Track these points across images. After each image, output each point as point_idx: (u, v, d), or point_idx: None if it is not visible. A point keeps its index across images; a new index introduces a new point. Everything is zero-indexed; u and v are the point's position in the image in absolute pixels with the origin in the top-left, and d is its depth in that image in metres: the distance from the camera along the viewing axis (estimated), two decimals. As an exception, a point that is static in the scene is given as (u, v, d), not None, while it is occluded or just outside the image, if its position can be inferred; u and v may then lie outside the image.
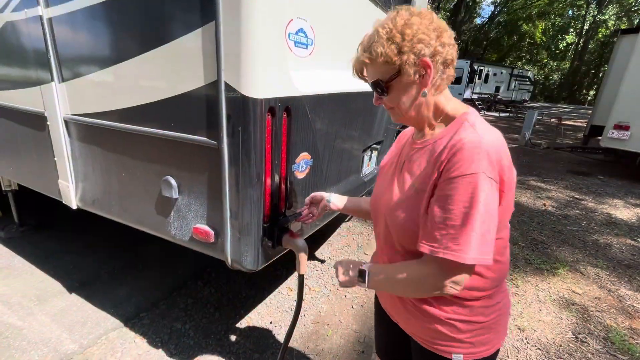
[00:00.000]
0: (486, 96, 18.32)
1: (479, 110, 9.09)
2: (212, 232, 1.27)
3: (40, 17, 1.49)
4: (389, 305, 0.93)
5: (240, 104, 1.07)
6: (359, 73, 0.81)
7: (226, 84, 1.07)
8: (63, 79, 1.56)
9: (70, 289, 2.26)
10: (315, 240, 3.07)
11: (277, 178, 1.26)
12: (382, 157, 2.62)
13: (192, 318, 2.07)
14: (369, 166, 2.39)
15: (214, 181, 1.21)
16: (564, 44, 36.56)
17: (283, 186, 1.31)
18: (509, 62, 36.08)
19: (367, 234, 3.33)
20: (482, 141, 0.66)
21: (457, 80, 16.71)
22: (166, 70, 1.22)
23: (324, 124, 1.51)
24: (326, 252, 2.95)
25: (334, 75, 1.55)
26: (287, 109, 1.22)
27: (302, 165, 1.40)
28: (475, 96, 17.56)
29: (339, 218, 3.53)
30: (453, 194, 0.65)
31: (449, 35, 0.73)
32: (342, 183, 1.94)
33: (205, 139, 1.17)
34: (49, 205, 3.21)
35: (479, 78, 19.02)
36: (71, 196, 1.74)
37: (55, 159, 1.73)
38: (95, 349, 1.81)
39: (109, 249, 2.77)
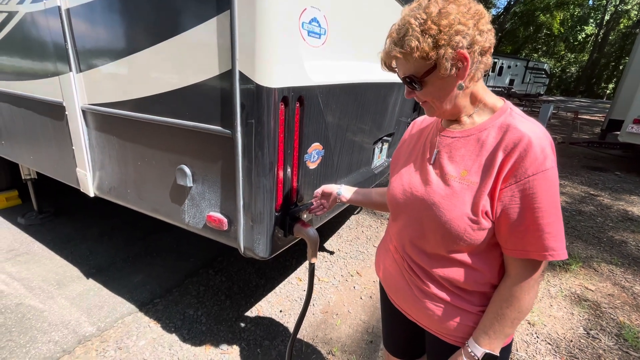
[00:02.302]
0: (499, 89, 17.92)
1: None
2: (225, 220, 1.29)
3: (59, 8, 1.51)
4: (402, 302, 0.91)
5: (254, 93, 1.08)
6: (388, 66, 0.76)
7: (240, 73, 1.08)
8: (80, 69, 1.59)
9: (88, 274, 2.34)
10: (324, 232, 3.09)
11: (289, 167, 1.27)
12: (393, 149, 2.60)
13: (204, 305, 2.13)
14: (379, 158, 2.38)
15: (228, 170, 1.23)
16: (583, 36, 35.28)
17: (295, 176, 1.32)
18: (524, 54, 35.12)
19: (375, 226, 3.34)
20: (544, 133, 0.66)
21: (470, 73, 16.31)
22: (181, 60, 1.23)
23: (336, 114, 1.51)
24: (335, 243, 2.97)
25: (347, 65, 1.54)
26: (300, 99, 1.22)
27: (313, 155, 1.40)
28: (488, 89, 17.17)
29: (348, 210, 3.53)
30: (536, 192, 0.63)
31: (487, 20, 0.68)
32: (353, 174, 1.94)
33: (219, 128, 1.19)
34: (66, 192, 3.31)
35: (493, 71, 18.60)
36: (88, 184, 1.79)
37: (73, 147, 1.78)
38: (112, 332, 1.88)
39: (123, 236, 2.84)
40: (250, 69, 1.06)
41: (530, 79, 21.75)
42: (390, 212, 0.95)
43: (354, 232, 3.20)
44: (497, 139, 0.69)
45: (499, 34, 33.24)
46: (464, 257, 0.75)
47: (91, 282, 2.27)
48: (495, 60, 18.73)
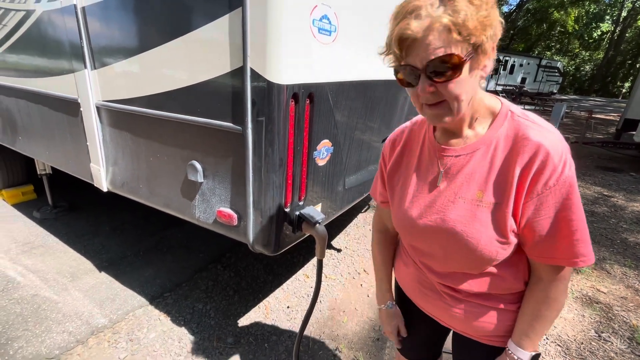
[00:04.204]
0: (511, 88, 17.65)
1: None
2: (235, 215, 1.31)
3: (75, 6, 1.55)
4: (430, 307, 0.87)
5: (265, 90, 1.09)
6: (402, 46, 0.58)
7: (251, 70, 1.09)
8: (95, 67, 1.63)
9: (100, 267, 2.39)
10: (332, 230, 3.10)
11: (298, 164, 1.28)
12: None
13: (212, 299, 2.16)
14: (388, 156, 2.37)
15: (238, 166, 1.24)
16: (598, 33, 34.45)
17: (304, 172, 1.33)
18: (536, 52, 34.44)
19: (384, 225, 3.33)
20: (558, 138, 0.62)
21: (481, 71, 16.10)
22: (193, 57, 1.25)
23: (345, 111, 1.51)
24: (342, 241, 2.97)
25: (356, 62, 1.54)
26: (310, 96, 1.23)
27: (323, 152, 1.41)
28: (499, 88, 16.93)
29: (356, 208, 3.54)
30: (560, 201, 0.61)
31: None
32: (362, 172, 1.95)
33: (230, 124, 1.20)
34: (80, 187, 3.38)
35: (504, 69, 18.30)
36: (102, 179, 1.83)
37: (88, 143, 1.81)
38: (124, 324, 1.92)
39: (134, 231, 2.89)
40: (261, 65, 1.07)
41: (542, 78, 21.34)
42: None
43: (362, 230, 3.20)
44: (507, 151, 0.64)
45: (511, 32, 32.69)
46: (491, 269, 0.72)
47: (103, 275, 2.32)
48: (507, 58, 18.42)
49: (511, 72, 18.85)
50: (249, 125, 1.15)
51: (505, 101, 0.70)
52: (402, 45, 0.58)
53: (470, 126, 0.69)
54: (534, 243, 0.66)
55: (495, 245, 0.66)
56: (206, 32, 1.18)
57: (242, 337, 1.89)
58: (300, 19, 1.12)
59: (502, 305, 0.76)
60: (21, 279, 2.22)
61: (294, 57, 1.13)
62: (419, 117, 0.82)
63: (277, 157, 1.18)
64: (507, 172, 0.64)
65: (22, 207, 3.19)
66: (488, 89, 16.40)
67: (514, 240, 0.66)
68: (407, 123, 0.86)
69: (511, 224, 0.65)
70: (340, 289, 2.34)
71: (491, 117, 0.68)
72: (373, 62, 1.70)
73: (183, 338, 1.85)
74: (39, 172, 2.88)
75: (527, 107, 16.60)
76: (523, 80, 19.65)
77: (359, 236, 3.08)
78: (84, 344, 1.77)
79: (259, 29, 1.04)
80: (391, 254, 1.01)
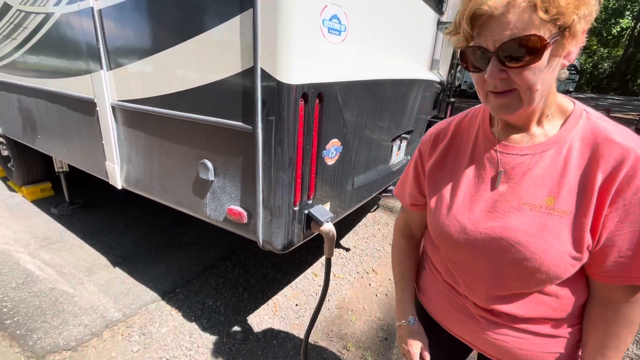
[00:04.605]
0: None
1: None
2: (245, 213, 1.33)
3: (92, 9, 1.59)
4: (460, 330, 0.77)
5: (275, 90, 1.10)
6: (473, 21, 0.51)
7: (262, 70, 1.11)
8: (111, 67, 1.67)
9: (114, 263, 2.46)
10: (341, 229, 3.10)
11: (308, 163, 1.29)
12: (412, 147, 2.58)
13: (222, 296, 2.19)
14: (397, 155, 2.37)
15: (248, 164, 1.26)
16: (618, 29, 33.37)
17: (313, 172, 1.34)
18: (552, 49, 33.47)
19: (392, 224, 3.31)
20: None
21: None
22: (204, 58, 1.28)
23: (355, 111, 1.52)
24: (351, 240, 2.98)
25: (366, 62, 1.54)
26: (319, 95, 1.23)
27: (332, 151, 1.42)
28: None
29: (365, 208, 3.53)
30: None
31: None
32: (371, 171, 1.95)
33: (240, 123, 1.22)
34: (95, 185, 3.47)
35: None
36: (117, 177, 1.88)
37: (103, 142, 1.87)
38: (137, 318, 1.97)
39: (146, 228, 2.96)
40: (271, 65, 1.09)
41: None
42: (435, 244, 0.77)
43: (370, 229, 3.20)
44: (587, 155, 0.56)
45: (526, 29, 31.77)
46: (548, 289, 0.63)
47: (117, 270, 2.38)
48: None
49: (525, 70, 18.41)
50: (259, 124, 1.16)
51: (580, 103, 0.62)
52: (474, 22, 0.51)
53: (539, 123, 0.61)
54: (609, 261, 0.56)
55: (566, 261, 0.57)
56: (218, 33, 1.20)
57: (251, 333, 1.92)
58: (310, 19, 1.13)
59: (552, 330, 0.65)
60: (40, 272, 2.30)
61: (304, 57, 1.14)
62: (468, 110, 0.74)
63: (287, 156, 1.19)
64: (586, 177, 0.56)
65: (41, 203, 3.30)
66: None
67: (587, 257, 0.57)
68: (454, 116, 0.76)
69: (588, 238, 0.56)
70: (348, 288, 2.35)
71: (562, 115, 0.61)
72: (382, 62, 1.70)
73: (194, 333, 1.89)
74: (56, 170, 2.97)
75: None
76: (537, 78, 19.17)
77: (367, 235, 3.08)
78: (99, 337, 1.82)
79: (270, 30, 1.06)
80: (415, 262, 0.90)
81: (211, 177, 1.39)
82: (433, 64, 2.50)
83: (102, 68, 1.68)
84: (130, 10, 1.47)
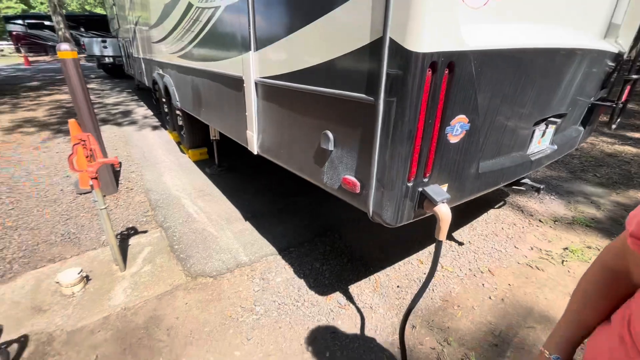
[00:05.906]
0: None
1: None
2: (358, 183, 1.38)
3: (247, -1, 1.87)
4: None
5: (401, 59, 1.08)
6: None
7: (390, 40, 1.09)
8: (257, 48, 1.94)
9: (246, 218, 2.94)
10: (455, 220, 2.85)
11: (428, 138, 1.23)
12: (560, 135, 2.12)
13: (328, 262, 2.36)
14: (539, 144, 1.98)
15: (367, 136, 1.29)
16: None
17: (433, 147, 1.27)
18: None
19: (521, 226, 2.85)
20: None
21: None
22: (334, 34, 1.33)
23: (490, 85, 1.34)
24: (466, 234, 2.71)
25: (513, 28, 1.33)
26: (450, 65, 1.14)
27: (457, 128, 1.30)
28: None
29: (487, 200, 3.14)
30: None
31: None
32: (501, 158, 1.70)
33: (363, 95, 1.25)
34: (234, 154, 4.14)
35: None
36: (254, 144, 2.21)
37: (246, 113, 2.21)
38: (259, 264, 2.33)
39: (272, 194, 3.40)
40: (401, 34, 1.06)
41: None
42: None
43: (492, 227, 2.84)
44: None
45: None
46: None
47: (248, 224, 2.85)
48: None
49: None
50: (382, 95, 1.16)
51: None
52: None
53: None
54: None
55: None
56: (348, 7, 1.24)
57: (351, 301, 2.01)
58: (449, -20, 1.04)
59: None
60: (196, 215, 2.96)
61: (437, 23, 1.06)
62: None
63: (406, 129, 1.16)
64: None
65: (199, 163, 4.18)
66: None
67: None
68: None
69: None
70: (457, 283, 2.18)
71: None
72: (535, 27, 1.43)
73: (301, 288, 2.11)
74: (211, 138, 3.69)
75: None
76: None
77: (487, 233, 2.75)
78: (232, 272, 2.25)
79: (403, -4, 1.02)
80: (608, 307, 0.68)
81: (331, 147, 1.48)
82: (610, 30, 1.94)
83: (250, 49, 1.97)
84: (275, -6, 1.66)
